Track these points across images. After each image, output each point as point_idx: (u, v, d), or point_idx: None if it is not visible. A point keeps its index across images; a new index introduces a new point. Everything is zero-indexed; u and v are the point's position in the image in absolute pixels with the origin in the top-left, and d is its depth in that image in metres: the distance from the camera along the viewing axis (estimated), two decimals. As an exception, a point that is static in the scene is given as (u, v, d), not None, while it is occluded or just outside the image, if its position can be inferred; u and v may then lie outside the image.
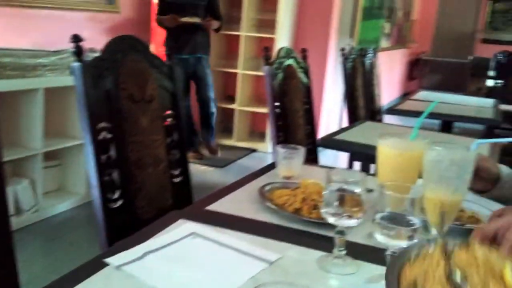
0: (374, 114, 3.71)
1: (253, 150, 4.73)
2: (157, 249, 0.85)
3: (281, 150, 1.38)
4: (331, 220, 0.83)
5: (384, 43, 6.89)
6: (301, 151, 1.40)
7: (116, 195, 1.39)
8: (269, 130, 4.30)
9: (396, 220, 0.76)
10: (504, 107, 4.25)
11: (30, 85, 2.64)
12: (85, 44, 1.33)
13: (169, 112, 1.62)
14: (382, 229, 0.76)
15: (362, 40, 5.66)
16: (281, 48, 2.23)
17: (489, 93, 5.71)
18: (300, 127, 2.36)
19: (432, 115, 3.07)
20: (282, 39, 4.42)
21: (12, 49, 2.66)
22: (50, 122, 2.90)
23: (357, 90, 3.47)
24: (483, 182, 1.20)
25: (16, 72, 2.58)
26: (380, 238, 0.76)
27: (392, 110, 3.25)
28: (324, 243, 0.90)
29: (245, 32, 4.53)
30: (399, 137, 0.99)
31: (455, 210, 0.88)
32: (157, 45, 3.96)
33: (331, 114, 5.15)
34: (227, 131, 5.00)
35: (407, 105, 3.38)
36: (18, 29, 2.94)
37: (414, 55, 9.33)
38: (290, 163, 1.38)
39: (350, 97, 3.34)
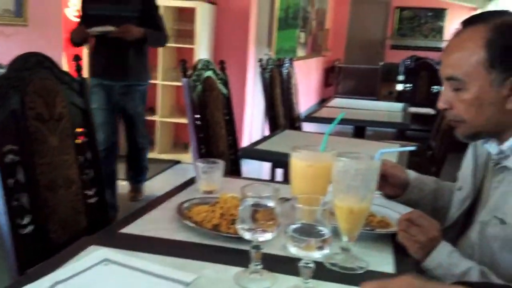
0: (294, 121, 3.82)
1: (177, 162, 4.68)
2: (66, 279, 0.81)
3: (200, 164, 1.37)
4: (247, 235, 0.84)
5: (300, 52, 7.11)
6: (221, 164, 1.40)
7: (26, 221, 1.31)
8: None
9: (307, 231, 0.78)
10: (413, 109, 4.57)
11: None
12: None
13: (80, 129, 1.57)
14: (293, 241, 0.78)
15: (280, 50, 5.81)
16: (199, 60, 2.22)
17: (399, 96, 6.09)
18: (222, 138, 2.37)
19: (346, 121, 3.24)
20: (201, 49, 4.42)
21: None
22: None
23: (276, 99, 3.55)
24: (394, 188, 1.28)
25: None
26: (293, 250, 0.79)
27: (309, 118, 3.36)
28: (241, 259, 0.91)
29: (163, 42, 4.48)
30: (309, 149, 1.03)
31: (363, 217, 0.93)
32: (69, 59, 3.79)
33: (253, 124, 5.22)
34: (150, 143, 4.89)
35: (323, 112, 3.52)
36: None
37: (329, 63, 9.73)
38: (210, 177, 1.38)
39: (270, 106, 3.41)
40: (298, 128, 3.73)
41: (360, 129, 3.30)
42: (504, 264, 1.02)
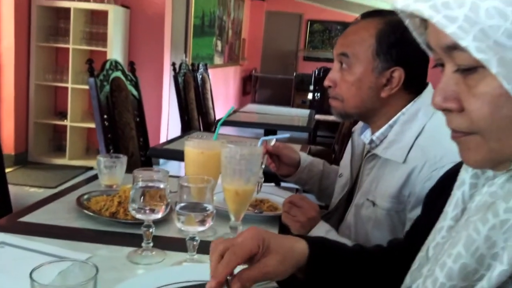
0: (209, 125, 3.91)
1: (90, 168, 4.56)
2: (-42, 261, 0.83)
3: (102, 159, 1.40)
4: (138, 215, 0.90)
5: (217, 59, 7.23)
6: (123, 159, 1.44)
7: None
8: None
9: (193, 208, 0.87)
10: (321, 117, 4.86)
11: None
12: None
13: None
14: (178, 216, 0.86)
15: (196, 56, 5.88)
16: (107, 61, 2.23)
17: (311, 105, 6.41)
18: (132, 140, 2.39)
19: (257, 125, 3.38)
20: (114, 52, 4.38)
21: None
22: None
23: (190, 103, 3.62)
24: (287, 167, 1.41)
25: None
26: (179, 225, 0.86)
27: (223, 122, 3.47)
28: (135, 240, 0.97)
29: (74, 45, 4.37)
30: (202, 138, 1.12)
31: (249, 198, 1.03)
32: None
33: (171, 126, 5.24)
34: (60, 149, 4.74)
35: (236, 117, 3.65)
36: None
37: (247, 72, 9.97)
38: (112, 172, 1.40)
39: (183, 109, 3.47)
40: (214, 132, 3.82)
41: (270, 132, 3.45)
42: (375, 241, 1.16)
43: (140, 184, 0.90)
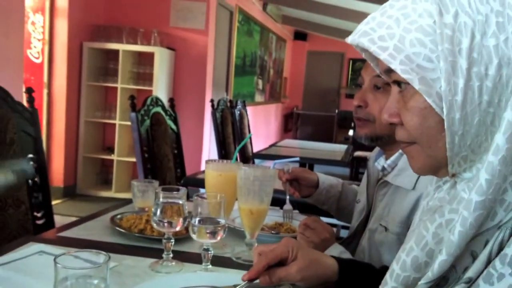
0: (247, 159, 4.03)
1: (133, 201, 4.74)
2: (5, 263, 0.95)
3: (136, 183, 1.53)
4: (158, 227, 1.01)
5: (258, 97, 7.43)
6: (155, 184, 1.56)
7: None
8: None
9: (208, 221, 0.96)
10: (360, 153, 4.87)
11: None
12: None
13: (31, 155, 1.70)
14: (192, 228, 0.95)
15: (237, 94, 6.09)
16: (148, 97, 2.41)
17: (354, 141, 6.43)
18: (169, 170, 2.53)
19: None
20: (159, 91, 4.63)
21: None
22: None
23: (228, 137, 3.77)
24: (307, 188, 1.48)
25: None
26: (193, 236, 0.96)
27: (257, 155, 3.58)
28: (158, 253, 1.06)
29: (122, 84, 4.67)
30: (221, 161, 1.22)
31: (263, 217, 1.11)
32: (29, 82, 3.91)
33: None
34: (106, 182, 4.99)
35: (272, 151, 3.76)
36: None
37: (288, 109, 10.13)
38: (144, 195, 1.52)
39: (221, 143, 3.61)
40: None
41: (304, 165, 3.53)
42: (388, 264, 1.20)
43: (161, 200, 1.00)
